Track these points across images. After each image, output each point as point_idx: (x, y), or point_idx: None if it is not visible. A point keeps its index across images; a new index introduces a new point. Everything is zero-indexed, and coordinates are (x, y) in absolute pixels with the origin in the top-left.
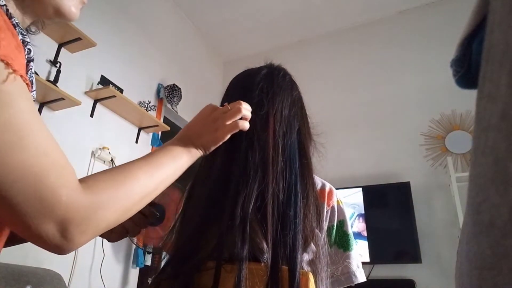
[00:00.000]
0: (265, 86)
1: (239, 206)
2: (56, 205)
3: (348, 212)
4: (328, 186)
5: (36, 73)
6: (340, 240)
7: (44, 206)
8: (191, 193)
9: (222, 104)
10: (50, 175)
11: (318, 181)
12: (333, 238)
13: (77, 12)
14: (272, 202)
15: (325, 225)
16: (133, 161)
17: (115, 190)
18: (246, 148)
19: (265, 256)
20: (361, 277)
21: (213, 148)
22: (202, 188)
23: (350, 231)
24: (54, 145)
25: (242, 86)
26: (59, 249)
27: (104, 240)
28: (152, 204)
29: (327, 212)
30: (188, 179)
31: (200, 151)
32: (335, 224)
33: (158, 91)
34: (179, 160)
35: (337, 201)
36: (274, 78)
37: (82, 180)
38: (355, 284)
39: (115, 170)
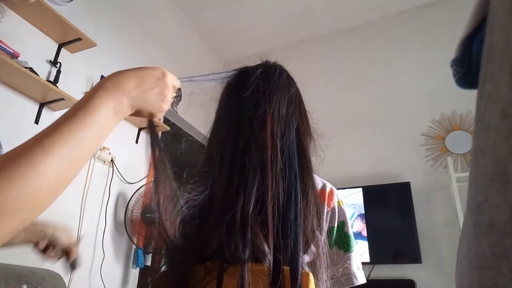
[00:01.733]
0: (261, 85)
1: (239, 210)
2: None
3: (348, 213)
4: (328, 186)
5: (36, 73)
6: (341, 241)
7: None
8: (191, 194)
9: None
10: None
11: (319, 181)
12: (333, 239)
13: None
14: (273, 205)
15: (326, 226)
16: (40, 134)
17: (8, 194)
18: (243, 150)
19: (267, 259)
20: (361, 279)
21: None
22: (201, 190)
23: (351, 232)
24: None
25: (238, 87)
26: None
27: (104, 240)
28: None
29: (327, 213)
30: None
31: (129, 112)
32: (336, 225)
33: None
34: (104, 131)
35: (338, 201)
36: (270, 76)
37: None
38: (355, 286)
39: (9, 159)
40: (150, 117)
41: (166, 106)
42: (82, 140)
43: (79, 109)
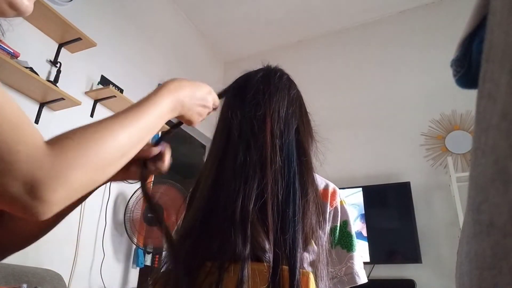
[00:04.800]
0: (262, 88)
1: (239, 205)
2: (15, 162)
3: (352, 214)
4: (331, 186)
5: (36, 72)
6: (344, 241)
7: (2, 164)
8: (193, 194)
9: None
10: (3, 132)
11: (322, 181)
12: (336, 238)
13: (30, 5)
14: (272, 201)
15: (328, 226)
16: (116, 114)
17: (85, 150)
18: (244, 149)
19: (267, 255)
20: (363, 278)
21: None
22: (203, 190)
23: (353, 231)
24: (8, 103)
25: (240, 90)
26: (33, 211)
27: (104, 240)
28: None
29: (330, 212)
30: (189, 181)
31: (175, 114)
32: (338, 224)
33: None
34: (162, 121)
35: (341, 201)
36: (270, 79)
37: (52, 138)
38: (357, 285)
39: (91, 127)
40: (183, 121)
41: (201, 119)
42: (144, 123)
43: (147, 100)
